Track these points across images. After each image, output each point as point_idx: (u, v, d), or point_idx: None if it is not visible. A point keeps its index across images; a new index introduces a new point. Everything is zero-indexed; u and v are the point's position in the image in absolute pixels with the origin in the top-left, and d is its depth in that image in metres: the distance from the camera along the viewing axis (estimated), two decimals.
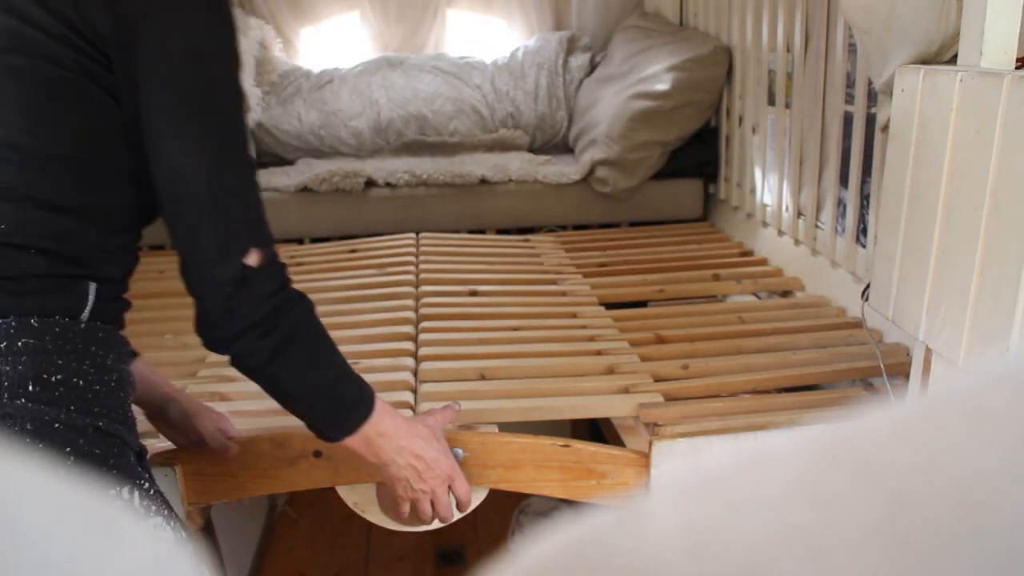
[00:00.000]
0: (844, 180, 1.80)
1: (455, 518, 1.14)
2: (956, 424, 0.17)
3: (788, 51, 2.05)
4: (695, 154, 2.52)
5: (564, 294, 1.88)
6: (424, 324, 1.66)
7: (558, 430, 1.42)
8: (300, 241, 2.42)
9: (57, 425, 0.84)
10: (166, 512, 0.92)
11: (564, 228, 2.52)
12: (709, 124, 2.52)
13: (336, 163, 2.58)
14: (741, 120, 2.36)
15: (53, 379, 0.85)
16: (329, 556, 2.29)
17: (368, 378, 1.40)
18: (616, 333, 1.63)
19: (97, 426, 0.86)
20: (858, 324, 1.58)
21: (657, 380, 1.42)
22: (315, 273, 2.04)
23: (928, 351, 1.20)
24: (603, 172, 2.44)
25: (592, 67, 2.86)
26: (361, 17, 2.95)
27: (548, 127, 2.83)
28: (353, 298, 1.83)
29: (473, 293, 1.85)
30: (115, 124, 0.89)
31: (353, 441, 1.01)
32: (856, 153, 1.73)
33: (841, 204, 1.83)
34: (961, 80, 1.09)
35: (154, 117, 0.87)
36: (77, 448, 0.84)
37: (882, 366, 1.39)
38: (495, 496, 1.22)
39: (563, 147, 2.82)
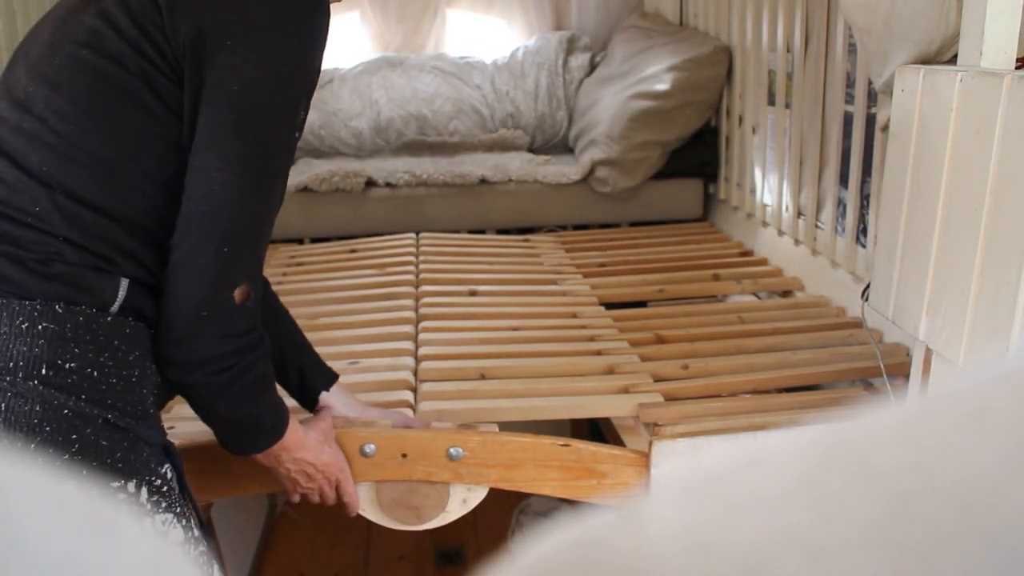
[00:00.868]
0: (844, 180, 1.80)
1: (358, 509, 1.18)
2: (956, 424, 0.17)
3: (788, 51, 2.05)
4: (695, 154, 2.52)
5: (564, 294, 1.88)
6: (424, 324, 1.66)
7: (558, 430, 1.42)
8: (300, 241, 2.42)
9: (66, 411, 0.84)
10: (178, 510, 0.92)
11: (564, 228, 2.52)
12: (709, 124, 2.52)
13: (336, 163, 2.58)
14: (741, 120, 2.36)
15: (67, 366, 0.86)
16: (329, 556, 2.29)
17: (368, 377, 1.42)
18: (616, 333, 1.63)
19: (106, 418, 0.87)
20: (858, 324, 1.58)
21: (657, 380, 1.42)
22: (315, 273, 2.04)
23: (928, 351, 1.20)
24: (603, 172, 2.44)
25: (592, 67, 2.86)
26: (361, 17, 2.95)
27: (548, 127, 2.83)
28: (353, 298, 1.83)
29: (473, 293, 1.85)
30: (164, 135, 0.91)
31: (258, 455, 1.03)
32: (856, 153, 1.73)
33: (841, 204, 1.83)
34: (961, 80, 1.09)
35: (205, 128, 0.89)
36: (83, 437, 0.85)
37: (882, 366, 1.39)
38: (495, 496, 1.22)
39: (563, 147, 2.82)
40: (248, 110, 0.89)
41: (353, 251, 2.19)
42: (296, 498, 1.13)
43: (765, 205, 2.20)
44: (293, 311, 1.21)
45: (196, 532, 0.95)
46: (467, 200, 2.47)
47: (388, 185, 2.47)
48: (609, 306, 1.82)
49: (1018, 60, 1.11)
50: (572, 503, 1.28)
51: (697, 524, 0.18)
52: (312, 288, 1.91)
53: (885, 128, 1.34)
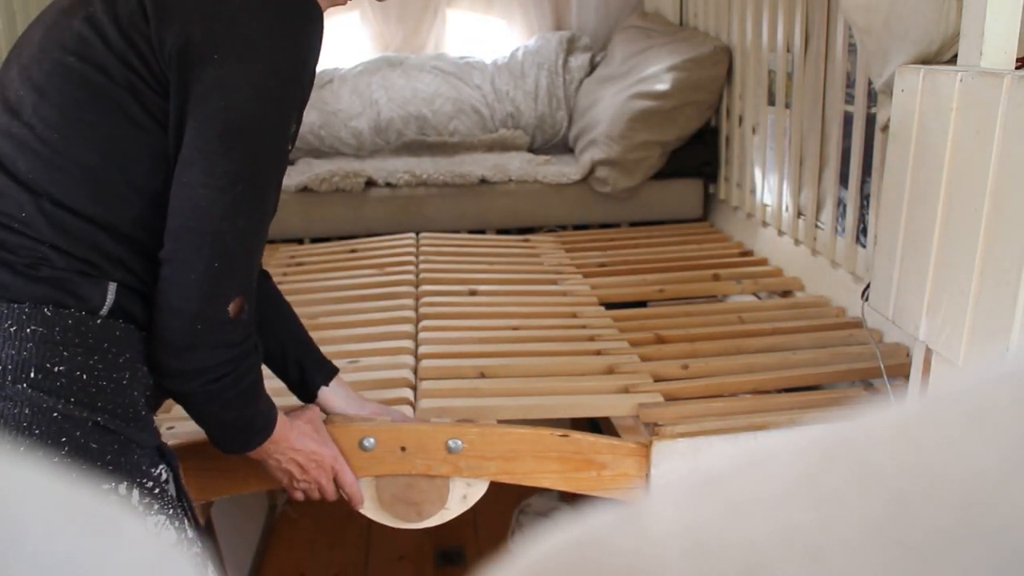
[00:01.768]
0: (844, 180, 1.80)
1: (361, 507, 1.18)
2: (956, 424, 0.17)
3: (788, 51, 2.05)
4: (695, 154, 2.52)
5: (564, 294, 1.88)
6: (424, 323, 1.66)
7: (557, 427, 1.42)
8: (300, 241, 2.42)
9: (55, 415, 0.84)
10: (171, 512, 0.92)
11: (564, 228, 2.52)
12: (709, 124, 2.52)
13: (336, 163, 2.58)
14: (741, 120, 2.36)
15: (56, 369, 0.85)
16: (329, 556, 2.29)
17: (367, 376, 1.42)
18: (616, 333, 1.63)
19: (96, 421, 0.87)
20: (858, 324, 1.58)
21: (657, 380, 1.42)
22: (315, 273, 2.04)
23: (928, 351, 1.20)
24: (603, 172, 2.44)
25: (592, 67, 2.86)
26: (361, 17, 2.95)
27: (548, 127, 2.83)
28: (353, 298, 1.83)
29: (473, 293, 1.85)
30: (150, 146, 0.90)
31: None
32: (856, 153, 1.73)
33: (841, 204, 1.83)
34: (961, 80, 1.09)
35: (191, 142, 0.88)
36: (73, 440, 0.85)
37: (882, 366, 1.39)
38: (495, 496, 1.22)
39: (563, 147, 2.82)
40: (235, 125, 0.87)
41: (353, 251, 2.19)
42: (298, 495, 1.12)
43: (765, 205, 2.20)
44: None
45: (190, 534, 0.94)
46: (467, 200, 2.47)
47: (388, 185, 2.47)
48: (609, 306, 1.82)
49: (1018, 60, 1.11)
50: (572, 503, 1.28)
51: (697, 524, 0.18)
52: (312, 288, 1.91)
53: (885, 128, 1.34)
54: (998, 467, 0.16)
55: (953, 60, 1.19)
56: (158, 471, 0.92)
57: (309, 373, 1.16)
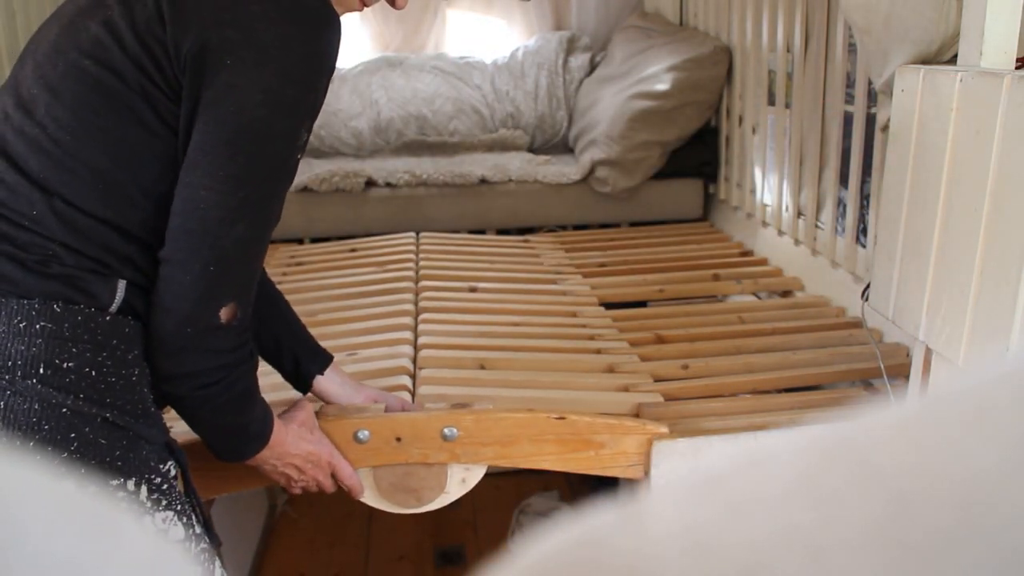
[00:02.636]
0: (844, 180, 1.80)
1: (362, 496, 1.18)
2: (956, 424, 0.17)
3: (788, 51, 2.05)
4: (695, 154, 2.52)
5: (564, 294, 1.88)
6: (424, 316, 1.67)
7: None
8: (300, 241, 2.42)
9: (64, 410, 0.85)
10: (179, 508, 0.92)
11: (564, 228, 2.52)
12: (709, 124, 2.52)
13: (336, 163, 2.58)
14: (741, 120, 2.36)
15: (65, 365, 0.86)
16: (329, 556, 2.29)
17: (365, 367, 1.41)
18: (616, 333, 1.64)
19: (105, 416, 0.87)
20: (858, 324, 1.58)
21: (657, 380, 1.42)
22: (314, 272, 2.04)
23: (928, 351, 1.20)
24: (603, 172, 2.44)
25: (592, 67, 2.86)
26: (361, 17, 2.95)
27: (548, 127, 2.83)
28: (352, 295, 1.83)
29: (473, 290, 1.85)
30: (162, 151, 0.90)
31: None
32: (856, 153, 1.73)
33: (841, 204, 1.83)
34: (961, 80, 1.09)
35: (198, 144, 0.88)
36: (82, 435, 0.85)
37: (882, 366, 1.39)
38: (495, 496, 1.22)
39: (563, 147, 2.82)
40: (244, 131, 0.87)
41: (353, 250, 2.19)
42: (297, 490, 1.12)
43: (765, 205, 2.20)
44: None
45: (198, 529, 0.95)
46: (467, 200, 2.47)
47: (388, 185, 2.47)
48: (609, 306, 1.82)
49: (1018, 60, 1.11)
50: (572, 503, 1.28)
51: (697, 524, 0.18)
52: (311, 287, 1.91)
53: (885, 128, 1.34)
54: (998, 467, 0.16)
55: (953, 60, 1.19)
56: (167, 467, 0.93)
57: (304, 363, 1.16)
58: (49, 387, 0.85)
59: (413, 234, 2.29)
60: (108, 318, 0.89)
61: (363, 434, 1.16)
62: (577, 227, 2.53)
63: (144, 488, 0.89)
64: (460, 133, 2.76)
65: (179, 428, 1.21)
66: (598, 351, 1.55)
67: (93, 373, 0.87)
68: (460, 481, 1.20)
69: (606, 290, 1.90)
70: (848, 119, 1.77)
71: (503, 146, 2.76)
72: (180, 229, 0.89)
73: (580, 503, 1.22)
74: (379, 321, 1.66)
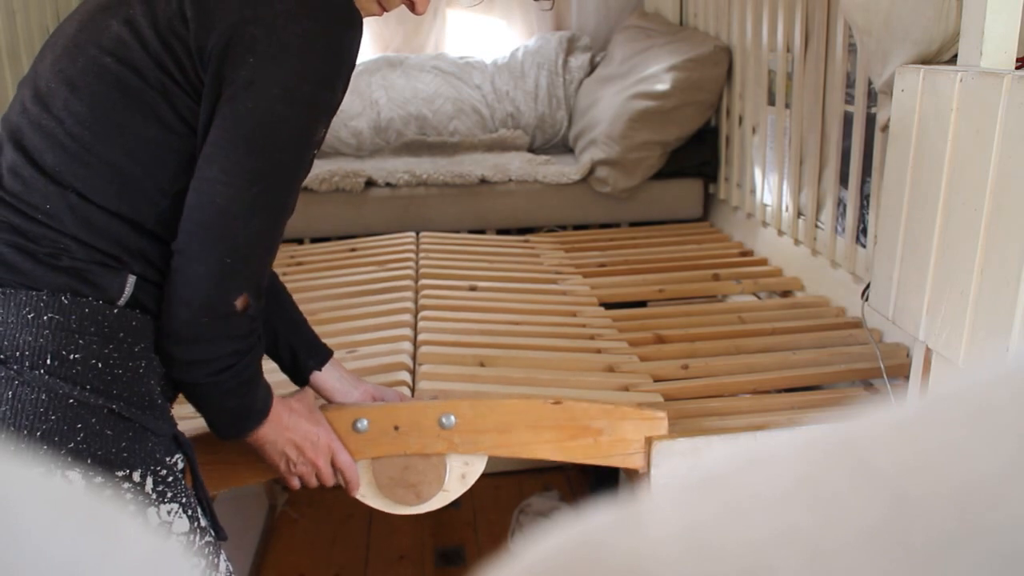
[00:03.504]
0: (844, 180, 1.80)
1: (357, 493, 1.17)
2: (956, 424, 0.17)
3: (788, 51, 2.05)
4: (695, 154, 2.52)
5: (564, 293, 1.88)
6: (424, 313, 1.67)
7: None
8: (300, 241, 2.42)
9: (71, 401, 0.86)
10: (184, 500, 0.93)
11: (564, 228, 2.52)
12: (709, 124, 2.52)
13: (336, 163, 2.58)
14: (741, 120, 2.36)
15: (71, 357, 0.87)
16: (329, 556, 2.29)
17: (364, 363, 1.41)
18: (615, 333, 1.64)
19: (112, 408, 0.88)
20: (858, 324, 1.58)
21: (657, 380, 1.42)
22: (314, 272, 2.04)
23: (928, 351, 1.20)
24: (603, 172, 2.44)
25: (592, 67, 2.86)
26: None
27: (548, 127, 2.83)
28: (352, 293, 1.83)
29: (473, 288, 1.85)
30: (180, 149, 0.91)
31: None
32: (856, 153, 1.73)
33: (841, 204, 1.83)
34: (961, 80, 1.09)
35: (215, 139, 0.89)
36: (88, 426, 0.86)
37: (882, 366, 1.39)
38: (495, 496, 1.22)
39: (563, 147, 2.82)
40: (262, 127, 0.88)
41: (353, 250, 2.19)
42: (295, 482, 1.11)
43: (765, 205, 2.20)
44: None
45: (203, 523, 0.95)
46: (467, 200, 2.47)
47: (388, 185, 2.47)
48: (609, 306, 1.82)
49: (1018, 60, 1.11)
50: (572, 503, 1.28)
51: (697, 524, 0.18)
52: (311, 286, 1.91)
53: (885, 128, 1.34)
54: (998, 468, 0.16)
55: (953, 60, 1.19)
56: (173, 460, 0.93)
57: (301, 357, 1.16)
58: (56, 378, 0.85)
59: (413, 234, 2.29)
60: (116, 311, 0.90)
61: (361, 423, 1.16)
62: (577, 227, 2.53)
63: (150, 480, 0.90)
64: (460, 133, 2.76)
65: (185, 425, 1.21)
66: (598, 351, 1.55)
67: (100, 365, 0.88)
68: (460, 477, 1.20)
69: (606, 290, 1.90)
70: (848, 119, 1.77)
71: (503, 146, 2.75)
72: (196, 222, 0.90)
73: (580, 503, 1.22)
74: (379, 319, 1.66)
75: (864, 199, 1.72)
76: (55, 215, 0.88)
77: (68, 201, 0.88)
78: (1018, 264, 0.99)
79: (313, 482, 1.12)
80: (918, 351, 1.24)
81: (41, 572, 0.17)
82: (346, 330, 1.59)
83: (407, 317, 1.65)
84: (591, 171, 2.47)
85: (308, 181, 2.39)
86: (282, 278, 2.01)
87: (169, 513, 0.91)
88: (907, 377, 1.34)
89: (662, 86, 2.42)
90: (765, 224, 2.20)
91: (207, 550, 0.95)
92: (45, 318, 0.86)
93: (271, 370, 1.14)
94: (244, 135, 0.88)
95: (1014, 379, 0.18)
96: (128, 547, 0.19)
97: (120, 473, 0.87)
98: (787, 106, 2.07)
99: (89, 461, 0.85)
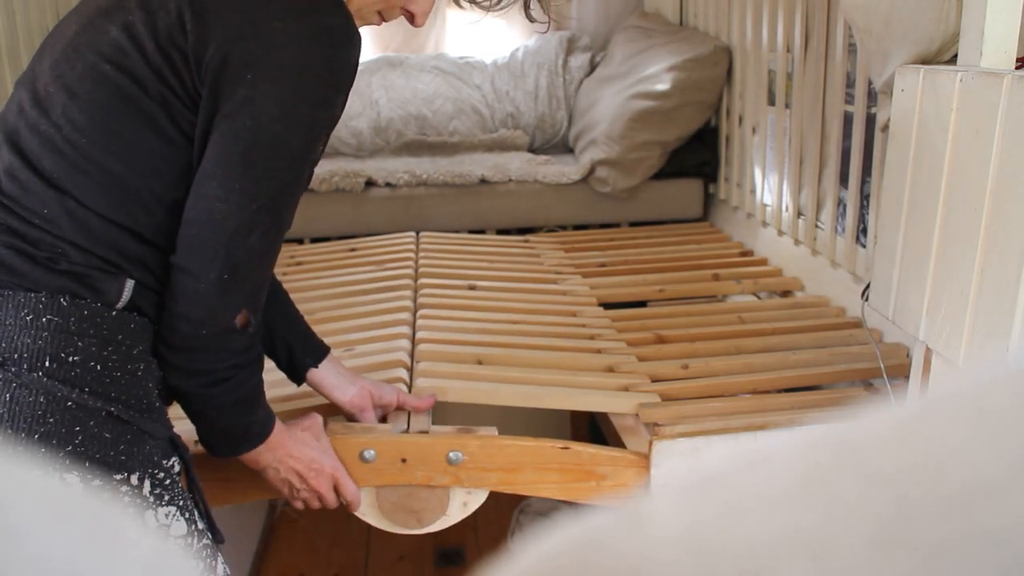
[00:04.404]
0: (844, 180, 1.80)
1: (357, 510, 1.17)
2: (957, 425, 0.17)
3: (788, 51, 2.05)
4: (695, 154, 2.52)
5: (564, 293, 1.88)
6: (422, 311, 1.67)
7: (558, 427, 1.42)
8: (300, 241, 2.42)
9: (69, 403, 0.86)
10: (181, 503, 0.93)
11: (564, 228, 2.52)
12: (709, 124, 2.52)
13: (336, 163, 2.58)
14: (741, 120, 2.36)
15: (70, 359, 0.87)
16: (329, 556, 2.29)
17: (362, 360, 1.42)
18: (615, 333, 1.63)
19: (109, 411, 0.88)
20: (858, 324, 1.58)
21: (657, 380, 1.42)
22: (314, 271, 2.04)
23: (928, 351, 1.20)
24: (603, 172, 2.44)
25: (592, 67, 2.86)
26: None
27: (548, 127, 2.83)
28: (351, 293, 1.83)
29: (472, 287, 1.85)
30: (177, 160, 0.91)
31: (241, 457, 1.03)
32: (856, 153, 1.73)
33: (841, 204, 1.82)
34: (961, 80, 1.09)
35: (213, 155, 0.89)
36: (86, 429, 0.86)
37: (882, 366, 1.38)
38: (495, 496, 1.22)
39: (563, 147, 2.82)
40: (259, 145, 0.88)
41: (353, 250, 2.19)
42: (299, 505, 1.11)
43: (765, 205, 2.20)
44: None
45: (200, 525, 0.95)
46: (467, 200, 2.47)
47: (388, 185, 2.46)
48: (609, 306, 1.82)
49: (1018, 60, 1.11)
50: (572, 503, 1.28)
51: (697, 525, 0.18)
52: (310, 286, 1.91)
53: (885, 128, 1.34)
54: (999, 468, 0.16)
55: (953, 60, 1.19)
56: (170, 462, 0.93)
57: (297, 354, 1.16)
58: (55, 380, 0.85)
59: (413, 234, 2.29)
60: (114, 314, 0.90)
61: (369, 453, 1.16)
62: (577, 227, 2.52)
63: (147, 483, 0.90)
64: (460, 133, 2.76)
65: (181, 427, 1.21)
66: (598, 351, 1.55)
67: (98, 367, 0.88)
68: (462, 505, 1.21)
69: (606, 290, 1.90)
70: (848, 119, 1.77)
71: (503, 146, 2.75)
72: (194, 238, 0.90)
73: (580, 504, 1.23)
74: (377, 317, 1.66)
75: (864, 199, 1.72)
76: (53, 220, 0.88)
77: (66, 207, 0.88)
78: (1018, 264, 0.99)
79: (316, 505, 1.12)
80: (918, 351, 1.24)
81: (40, 573, 0.17)
82: (344, 328, 1.60)
83: (406, 316, 1.65)
84: (591, 171, 2.47)
85: None
86: (281, 278, 2.01)
87: (167, 516, 0.91)
88: (907, 377, 1.34)
89: (662, 86, 2.42)
90: (765, 224, 2.20)
91: (205, 553, 0.95)
92: (44, 320, 0.86)
93: (270, 369, 1.14)
94: (242, 153, 0.88)
95: (1014, 379, 0.18)
96: (127, 550, 0.19)
97: (118, 476, 0.87)
98: (787, 106, 2.07)
99: (87, 464, 0.85)
